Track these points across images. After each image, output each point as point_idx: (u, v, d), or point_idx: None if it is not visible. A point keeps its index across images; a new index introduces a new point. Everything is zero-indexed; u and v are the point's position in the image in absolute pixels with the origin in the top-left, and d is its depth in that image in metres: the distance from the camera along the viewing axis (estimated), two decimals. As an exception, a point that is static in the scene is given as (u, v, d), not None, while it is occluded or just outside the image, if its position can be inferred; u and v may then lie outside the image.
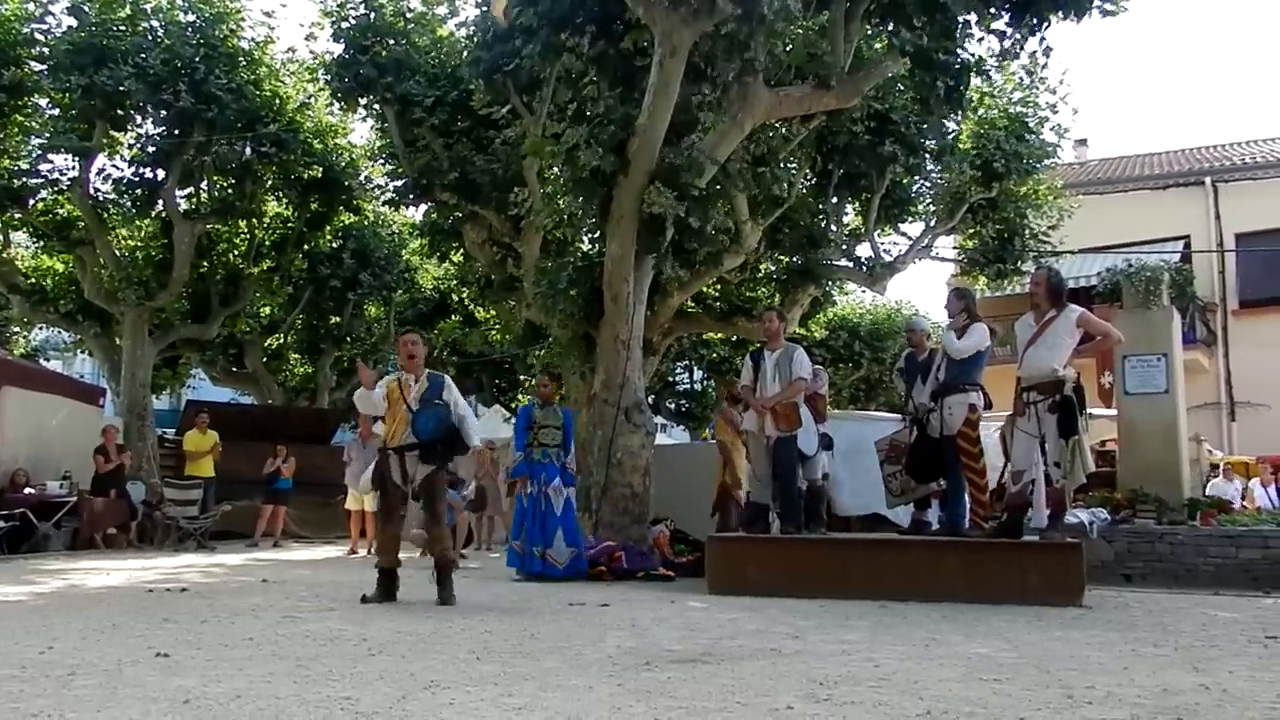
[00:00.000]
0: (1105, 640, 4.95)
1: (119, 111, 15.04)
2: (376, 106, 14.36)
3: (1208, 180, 20.75)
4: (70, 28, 14.47)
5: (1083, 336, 7.05)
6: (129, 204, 16.29)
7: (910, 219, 16.03)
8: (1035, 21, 9.54)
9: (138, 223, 17.04)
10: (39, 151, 15.56)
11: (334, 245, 19.26)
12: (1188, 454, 11.09)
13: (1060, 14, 9.43)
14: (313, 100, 16.72)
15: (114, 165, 16.37)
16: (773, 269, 15.87)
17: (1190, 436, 12.26)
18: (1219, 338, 20.26)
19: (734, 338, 19.44)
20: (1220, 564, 8.65)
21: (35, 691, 3.44)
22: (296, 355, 23.12)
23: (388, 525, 6.94)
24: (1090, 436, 10.99)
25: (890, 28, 10.20)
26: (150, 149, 15.57)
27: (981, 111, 14.44)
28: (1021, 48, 9.97)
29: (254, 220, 18.11)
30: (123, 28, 14.55)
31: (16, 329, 21.80)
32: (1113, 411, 11.17)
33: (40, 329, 22.61)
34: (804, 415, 7.88)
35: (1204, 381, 19.20)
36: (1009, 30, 9.86)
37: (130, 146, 16.17)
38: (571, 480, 9.18)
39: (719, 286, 15.69)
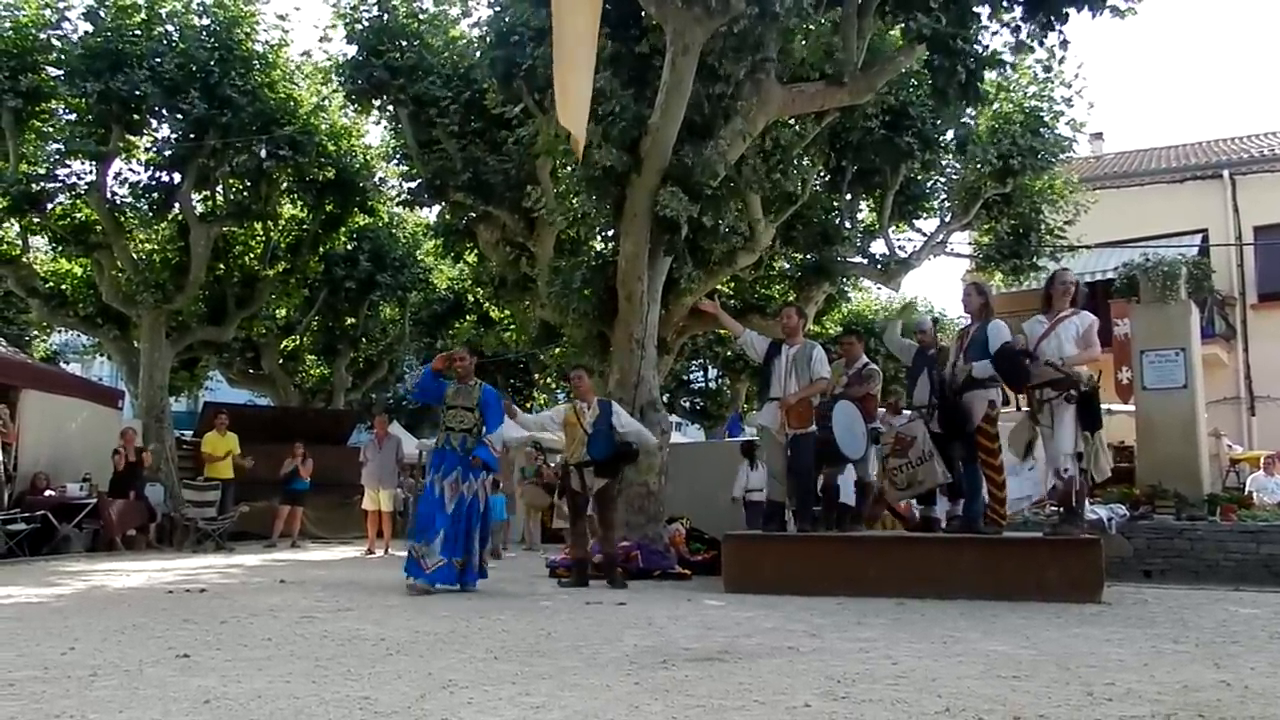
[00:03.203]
0: (1125, 637, 4.92)
1: (135, 116, 15.15)
2: (390, 108, 14.41)
3: (1225, 173, 20.55)
4: (86, 33, 14.58)
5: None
6: (146, 208, 16.42)
7: (925, 215, 16.00)
8: (1051, 16, 9.49)
9: (154, 226, 17.17)
10: (56, 156, 15.69)
11: (349, 247, 19.36)
12: (1207, 449, 11.03)
13: (1075, 7, 9.38)
14: (327, 102, 16.80)
15: (130, 169, 16.58)
16: (787, 266, 15.85)
17: (1209, 431, 12.18)
18: (1238, 331, 20.07)
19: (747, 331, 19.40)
20: (1241, 559, 8.60)
21: (58, 692, 3.47)
22: (312, 356, 23.25)
23: (576, 523, 8.43)
24: (1107, 435, 10.91)
25: (906, 15, 10.16)
26: (166, 153, 15.67)
27: (996, 106, 14.38)
28: (1041, 42, 9.91)
29: (269, 222, 18.21)
30: (138, 33, 14.65)
31: (36, 332, 21.99)
32: (1131, 407, 11.11)
33: (59, 332, 22.80)
34: (853, 419, 7.88)
35: (1223, 376, 19.05)
36: (1024, 24, 9.81)
37: (146, 150, 16.31)
38: (481, 452, 7.55)
39: (733, 284, 15.68)
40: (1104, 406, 10.85)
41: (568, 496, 8.58)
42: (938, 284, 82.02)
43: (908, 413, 9.06)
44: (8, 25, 14.73)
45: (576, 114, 7.73)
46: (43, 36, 14.78)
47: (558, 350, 16.81)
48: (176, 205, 16.32)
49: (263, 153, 15.89)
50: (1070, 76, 14.53)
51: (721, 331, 18.71)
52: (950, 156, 14.66)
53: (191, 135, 14.97)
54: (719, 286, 14.92)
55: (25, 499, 12.12)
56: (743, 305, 15.64)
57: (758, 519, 12.09)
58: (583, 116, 7.79)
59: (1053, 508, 7.99)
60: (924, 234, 16.02)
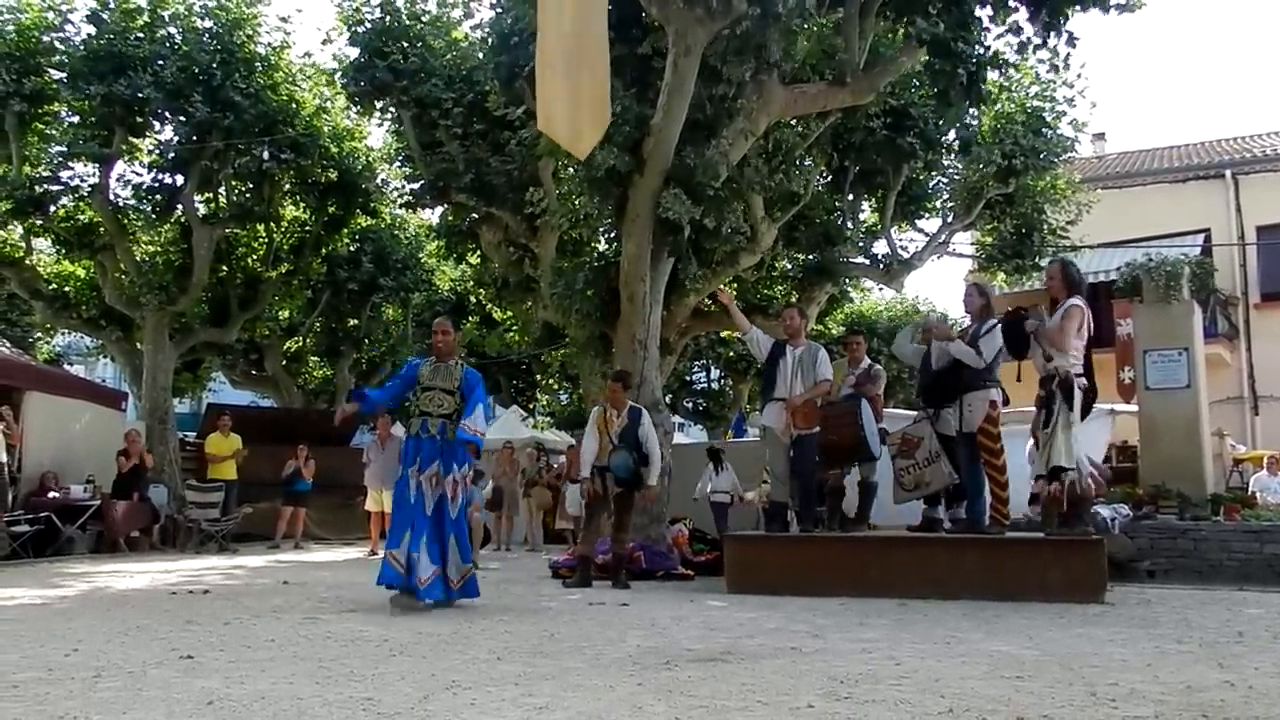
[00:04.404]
0: (1128, 637, 4.91)
1: (138, 119, 15.17)
2: (393, 110, 14.42)
3: (1228, 173, 20.52)
4: (89, 36, 14.59)
5: (1095, 328, 7.03)
6: (149, 210, 16.43)
7: (927, 215, 15.98)
8: (1053, 16, 9.48)
9: (157, 228, 17.18)
10: (60, 159, 15.71)
11: (352, 248, 19.38)
12: (1210, 449, 11.01)
13: (1079, 6, 9.37)
14: (329, 104, 16.81)
15: (134, 171, 16.57)
16: (789, 267, 15.85)
17: (1213, 431, 12.16)
18: (1241, 331, 20.05)
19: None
20: (1245, 559, 8.58)
21: (62, 694, 3.48)
22: (315, 358, 23.26)
23: (591, 521, 8.57)
24: (1111, 435, 10.87)
25: (906, 19, 10.17)
26: (169, 155, 15.69)
27: (999, 106, 14.37)
28: (1045, 42, 9.90)
29: (272, 224, 18.22)
30: (140, 35, 14.67)
31: (40, 334, 22.02)
32: (1134, 407, 11.10)
33: (63, 334, 22.83)
34: (871, 419, 7.92)
35: (1226, 375, 19.02)
36: (1027, 24, 9.81)
37: (149, 153, 16.32)
38: (461, 457, 6.58)
39: (735, 285, 15.68)
40: (1108, 406, 10.82)
41: (592, 496, 8.65)
42: (940, 284, 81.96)
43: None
44: (11, 28, 14.75)
45: (563, 120, 7.74)
46: (46, 39, 14.81)
47: (560, 351, 16.82)
48: (179, 207, 16.32)
49: (265, 155, 15.90)
50: (1073, 76, 14.48)
51: (724, 332, 18.74)
52: (952, 157, 14.64)
53: (194, 138, 14.98)
54: (721, 287, 14.93)
55: (31, 500, 12.16)
56: (745, 306, 15.59)
57: (722, 520, 12.19)
58: (578, 122, 7.77)
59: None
60: (926, 234, 16.01)
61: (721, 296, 9.40)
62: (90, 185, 15.74)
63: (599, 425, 8.35)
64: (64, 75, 14.60)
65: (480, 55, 12.87)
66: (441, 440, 6.47)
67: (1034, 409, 7.07)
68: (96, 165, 15.58)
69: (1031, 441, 7.19)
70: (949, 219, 15.55)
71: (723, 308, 9.78)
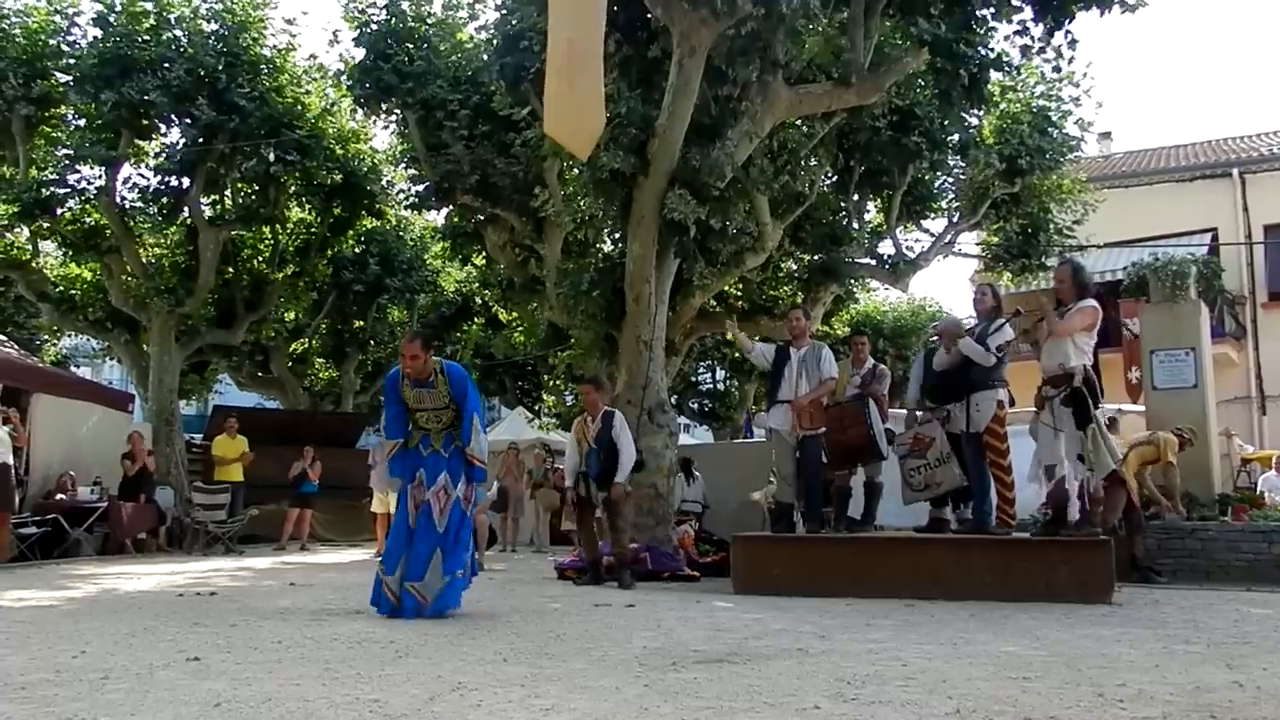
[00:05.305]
0: (1136, 638, 4.90)
1: (144, 122, 15.22)
2: (398, 112, 14.43)
3: (1235, 172, 20.46)
4: (95, 39, 14.64)
5: (1102, 328, 7.01)
6: (155, 212, 16.47)
7: (933, 215, 15.95)
8: (1058, 16, 9.48)
9: (164, 230, 17.22)
10: (66, 162, 15.76)
11: (357, 250, 19.41)
12: (1218, 449, 10.97)
13: (1083, 7, 9.36)
14: (335, 107, 16.84)
15: (140, 174, 16.61)
16: (794, 267, 15.83)
17: (1220, 431, 12.13)
18: (1248, 331, 20.00)
19: (756, 337, 19.38)
20: (1253, 560, 8.55)
21: (69, 695, 3.48)
22: (321, 360, 23.29)
23: (583, 529, 8.85)
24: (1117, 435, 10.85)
25: (908, 19, 10.18)
26: (175, 158, 15.73)
27: (1004, 106, 14.34)
28: (1048, 43, 9.90)
29: (278, 226, 18.26)
30: (147, 39, 14.71)
31: (46, 337, 22.07)
32: (1141, 407, 11.07)
33: (69, 336, 22.87)
34: (877, 420, 7.93)
35: (1234, 375, 18.97)
36: (1031, 24, 9.80)
37: (156, 155, 16.37)
38: (477, 475, 6.16)
39: (741, 285, 15.67)
40: (1115, 406, 10.80)
41: (576, 502, 8.80)
42: (946, 285, 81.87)
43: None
44: (18, 32, 14.81)
45: (566, 122, 7.76)
46: (53, 43, 14.86)
47: (566, 352, 16.82)
48: (185, 210, 16.36)
49: (271, 157, 15.92)
50: (1079, 76, 14.42)
51: (728, 334, 18.72)
52: (957, 157, 14.63)
53: (200, 140, 15.02)
54: (726, 288, 14.91)
55: (43, 501, 12.21)
56: (750, 306, 15.62)
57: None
58: (578, 124, 7.79)
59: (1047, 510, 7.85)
60: (932, 234, 15.98)
61: (728, 327, 9.54)
62: (97, 188, 15.78)
63: (577, 435, 8.60)
64: (70, 79, 14.64)
65: (485, 57, 12.88)
66: (446, 453, 6.06)
67: (1035, 408, 7.06)
68: (103, 168, 15.62)
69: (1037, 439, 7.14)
70: (955, 219, 15.52)
71: (721, 318, 9.89)
